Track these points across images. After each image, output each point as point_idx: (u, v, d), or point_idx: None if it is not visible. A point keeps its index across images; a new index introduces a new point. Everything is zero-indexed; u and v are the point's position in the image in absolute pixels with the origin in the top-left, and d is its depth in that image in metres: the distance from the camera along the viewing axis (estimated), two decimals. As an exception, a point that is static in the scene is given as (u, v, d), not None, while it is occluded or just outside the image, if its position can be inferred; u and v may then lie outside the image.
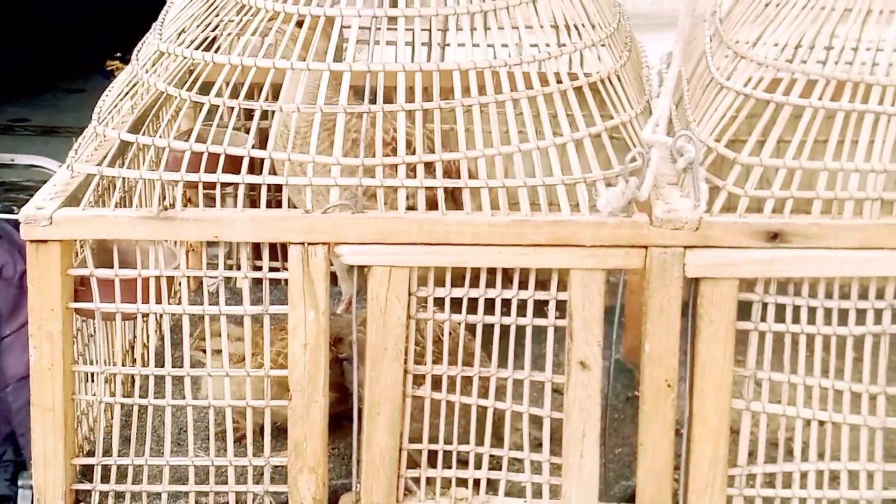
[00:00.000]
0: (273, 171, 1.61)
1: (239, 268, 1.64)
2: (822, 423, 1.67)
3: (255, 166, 1.63)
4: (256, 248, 2.11)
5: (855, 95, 1.60)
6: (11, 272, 2.59)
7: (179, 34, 1.71)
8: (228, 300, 1.68)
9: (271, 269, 1.66)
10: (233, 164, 1.61)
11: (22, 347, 2.29)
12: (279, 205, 1.68)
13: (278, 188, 1.68)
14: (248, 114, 2.14)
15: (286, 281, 1.63)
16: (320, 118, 1.62)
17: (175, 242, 1.85)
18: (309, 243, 1.61)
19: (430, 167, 1.64)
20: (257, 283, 1.66)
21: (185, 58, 1.66)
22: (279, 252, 1.69)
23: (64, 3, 7.89)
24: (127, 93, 1.72)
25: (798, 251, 1.59)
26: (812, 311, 1.63)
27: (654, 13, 2.84)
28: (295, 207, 1.66)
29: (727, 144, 1.65)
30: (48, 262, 1.61)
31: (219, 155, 1.61)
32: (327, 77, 1.61)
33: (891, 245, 1.58)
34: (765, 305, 1.64)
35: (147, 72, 1.69)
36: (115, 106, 1.72)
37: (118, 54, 7.32)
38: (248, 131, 1.97)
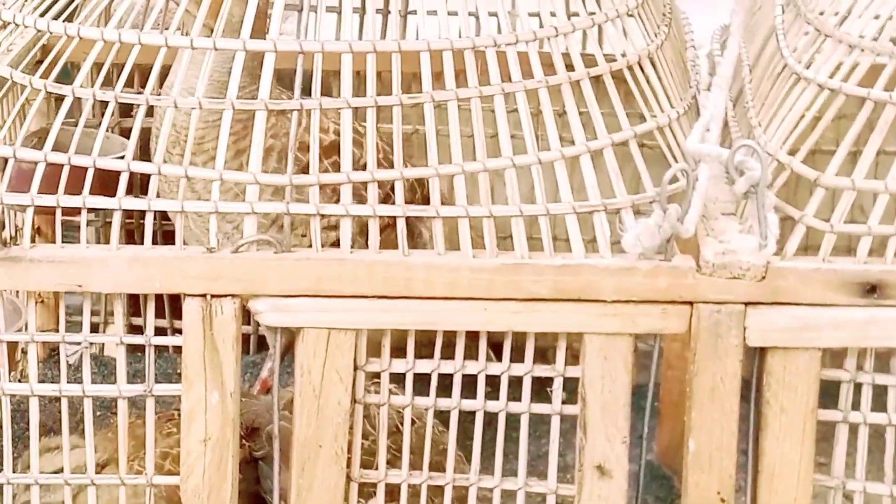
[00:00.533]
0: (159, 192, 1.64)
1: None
2: (935, 553, 1.73)
3: (136, 184, 1.60)
4: (136, 300, 2.15)
5: None
6: None
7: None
8: (95, 375, 1.72)
9: (157, 332, 1.67)
10: (104, 181, 1.62)
11: None
12: (169, 239, 1.70)
13: (167, 216, 1.66)
14: (125, 110, 2.19)
15: (179, 349, 1.66)
16: (230, 117, 1.64)
17: (18, 292, 1.86)
18: (213, 295, 1.64)
19: (385, 187, 1.67)
20: (135, 350, 1.68)
21: (39, 30, 1.70)
22: (168, 307, 1.71)
23: None
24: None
25: (905, 310, 1.65)
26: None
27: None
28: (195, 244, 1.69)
29: (806, 159, 1.70)
30: None
31: (85, 168, 1.63)
32: (242, 59, 1.63)
33: None
34: (858, 386, 1.69)
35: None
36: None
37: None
38: (124, 134, 2.01)
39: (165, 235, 2.00)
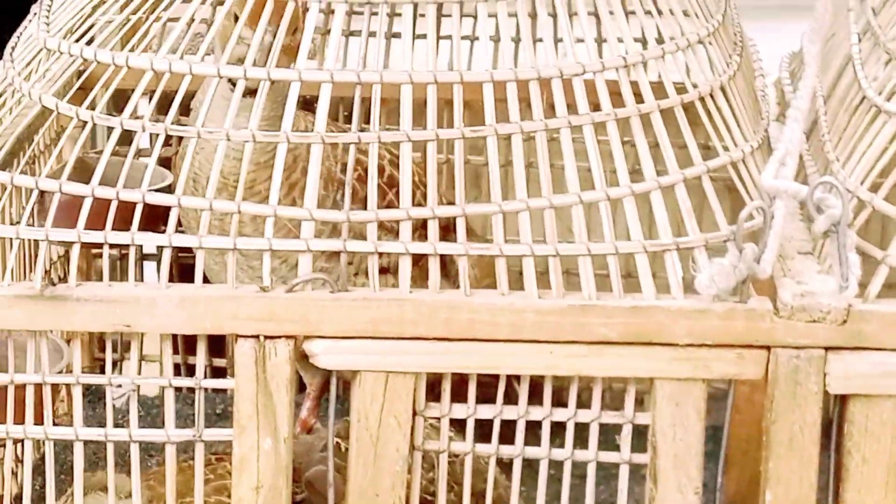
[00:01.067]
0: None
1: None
2: None
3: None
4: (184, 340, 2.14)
5: None
6: None
7: (75, 25, 1.76)
8: (142, 418, 1.71)
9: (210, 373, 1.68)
10: (123, 215, 1.62)
11: None
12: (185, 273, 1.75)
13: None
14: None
15: (229, 392, 1.67)
16: (285, 150, 1.64)
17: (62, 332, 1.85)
18: (266, 336, 1.62)
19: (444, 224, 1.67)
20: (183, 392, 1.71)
21: (85, 59, 1.70)
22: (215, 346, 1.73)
23: None
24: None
25: None
26: None
27: (762, -6, 2.94)
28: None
29: (889, 196, 1.68)
30: None
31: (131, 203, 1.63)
32: (298, 90, 1.63)
33: None
34: None
35: (27, 79, 1.74)
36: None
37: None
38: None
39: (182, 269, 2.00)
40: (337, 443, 1.73)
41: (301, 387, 2.32)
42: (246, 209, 1.62)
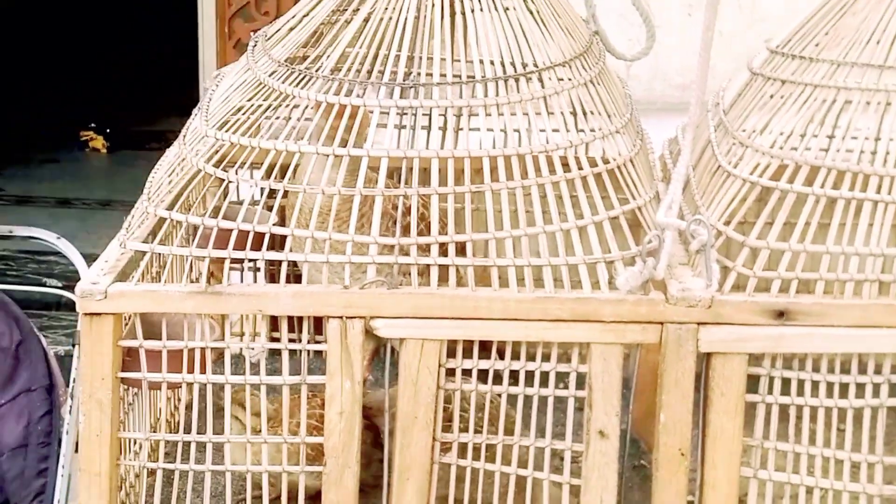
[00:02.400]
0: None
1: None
2: (823, 490, 1.77)
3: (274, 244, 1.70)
4: (272, 322, 2.18)
5: (854, 184, 1.73)
6: (8, 342, 2.62)
7: (225, 121, 1.82)
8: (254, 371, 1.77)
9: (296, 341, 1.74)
10: (254, 242, 1.69)
11: (16, 417, 2.32)
12: (297, 280, 1.77)
13: (293, 265, 1.75)
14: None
15: (314, 353, 1.73)
16: (338, 200, 1.72)
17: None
18: (347, 317, 1.71)
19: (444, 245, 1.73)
20: (273, 354, 1.73)
21: (232, 143, 1.77)
22: (296, 324, 1.76)
23: (36, 74, 8.01)
24: (173, 171, 1.83)
25: (802, 328, 1.71)
26: (815, 385, 1.74)
27: (647, 99, 3.00)
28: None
29: (735, 228, 1.76)
30: (101, 334, 1.72)
31: (247, 233, 1.70)
32: (366, 162, 1.72)
33: (888, 323, 1.71)
34: (771, 379, 1.75)
35: (196, 154, 1.80)
36: (161, 185, 1.83)
37: (92, 125, 7.43)
38: (268, 208, 2.08)
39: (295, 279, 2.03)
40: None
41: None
42: (335, 237, 1.72)
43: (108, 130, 7.42)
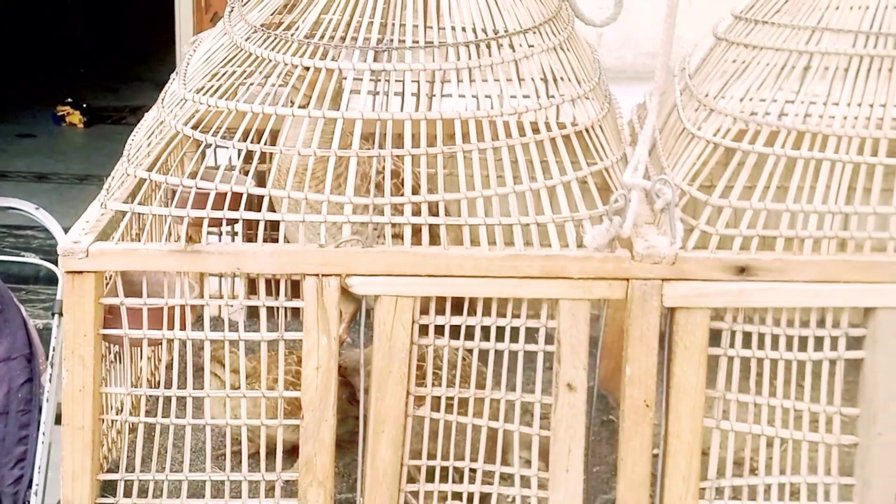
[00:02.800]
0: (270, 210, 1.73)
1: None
2: (783, 440, 1.83)
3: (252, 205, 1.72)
4: (250, 285, 2.20)
5: (813, 145, 1.78)
6: None
7: (202, 84, 1.85)
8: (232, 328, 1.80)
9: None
10: (231, 205, 1.72)
11: (-2, 383, 2.39)
12: (274, 241, 1.78)
13: (272, 227, 1.78)
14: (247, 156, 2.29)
15: (294, 311, 1.75)
16: (313, 161, 1.74)
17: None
18: (323, 275, 1.74)
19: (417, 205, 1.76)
20: (251, 317, 1.73)
21: (209, 105, 1.80)
22: (273, 289, 1.79)
23: (10, 51, 7.99)
24: (152, 133, 1.86)
25: (763, 284, 1.75)
26: (775, 339, 1.79)
27: (617, 67, 3.05)
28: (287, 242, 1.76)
29: (699, 188, 1.80)
30: (83, 292, 1.75)
31: (225, 194, 1.73)
32: (340, 123, 1.76)
33: (845, 278, 1.76)
34: (733, 333, 1.79)
35: (175, 117, 1.82)
36: (140, 147, 1.86)
37: (69, 100, 7.44)
38: (244, 173, 2.12)
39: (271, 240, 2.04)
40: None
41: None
42: (311, 197, 1.75)
43: (84, 105, 7.43)
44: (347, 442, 1.94)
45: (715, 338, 1.79)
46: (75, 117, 7.39)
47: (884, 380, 1.78)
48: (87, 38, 8.59)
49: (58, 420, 2.02)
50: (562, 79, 1.87)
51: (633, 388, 1.78)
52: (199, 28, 4.42)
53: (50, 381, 2.33)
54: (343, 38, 1.79)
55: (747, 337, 1.80)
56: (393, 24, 1.81)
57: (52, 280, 2.22)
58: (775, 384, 1.81)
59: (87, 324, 1.76)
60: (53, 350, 2.32)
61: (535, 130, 1.81)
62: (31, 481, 2.31)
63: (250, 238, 2.18)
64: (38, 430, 2.32)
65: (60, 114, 7.45)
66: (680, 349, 1.77)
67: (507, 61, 1.83)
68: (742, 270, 1.75)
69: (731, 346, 1.80)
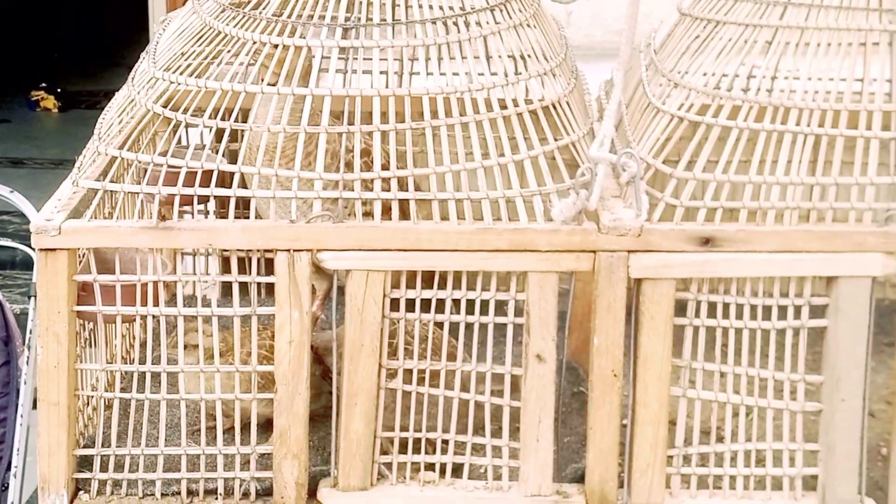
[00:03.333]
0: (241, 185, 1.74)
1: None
2: (749, 408, 1.85)
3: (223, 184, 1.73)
4: (224, 264, 2.22)
5: (775, 118, 1.80)
6: None
7: (171, 63, 1.85)
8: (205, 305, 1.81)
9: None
10: (202, 184, 1.72)
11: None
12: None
13: (244, 206, 1.79)
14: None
15: (269, 287, 1.76)
16: (282, 138, 1.75)
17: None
18: (294, 250, 1.75)
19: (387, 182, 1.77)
20: (225, 295, 1.73)
21: (179, 83, 1.81)
22: (247, 266, 1.80)
23: (-15, 34, 7.94)
24: (123, 112, 1.87)
25: (727, 254, 1.77)
26: (739, 308, 1.81)
27: (586, 45, 3.00)
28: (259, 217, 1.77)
29: (664, 161, 1.82)
30: (56, 269, 1.76)
31: (195, 173, 1.74)
32: (309, 100, 1.76)
33: (807, 248, 1.78)
34: (698, 303, 1.81)
35: (145, 95, 1.83)
36: (111, 126, 1.87)
37: (43, 84, 7.41)
38: (215, 151, 2.12)
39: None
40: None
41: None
42: (281, 173, 1.76)
43: (59, 90, 7.39)
44: (322, 416, 1.95)
45: (681, 308, 1.81)
46: (50, 102, 7.36)
47: (846, 347, 1.81)
48: (62, 21, 8.54)
49: (35, 404, 2.02)
50: (528, 55, 1.88)
51: (601, 359, 1.80)
52: (173, 9, 4.40)
53: (27, 363, 2.33)
54: (311, 16, 1.80)
55: (712, 307, 1.82)
56: (361, 2, 1.82)
57: (28, 265, 2.22)
58: (740, 353, 1.83)
59: (61, 301, 1.77)
60: (30, 333, 2.33)
61: (503, 107, 1.82)
62: (9, 463, 2.31)
63: (222, 216, 2.15)
64: (17, 412, 2.33)
65: (35, 98, 7.41)
66: (646, 319, 1.79)
67: (474, 38, 1.84)
68: (706, 241, 1.77)
69: (697, 315, 1.82)
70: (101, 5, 8.53)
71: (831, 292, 1.81)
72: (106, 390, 1.93)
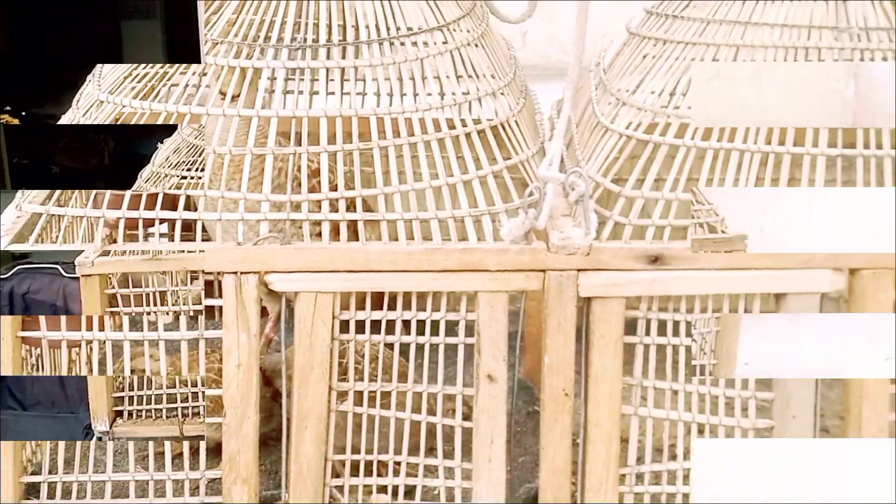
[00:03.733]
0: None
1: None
2: (700, 425, 1.84)
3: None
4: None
5: (721, 136, 1.80)
6: None
7: (116, 86, 1.84)
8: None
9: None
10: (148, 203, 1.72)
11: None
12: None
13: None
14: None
15: (219, 310, 1.74)
16: (229, 159, 1.74)
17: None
18: (241, 272, 1.74)
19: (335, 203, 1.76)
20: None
21: (124, 106, 1.80)
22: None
23: (-49, 57, 7.86)
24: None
25: (676, 272, 1.76)
26: (689, 325, 1.81)
27: (542, 65, 3.06)
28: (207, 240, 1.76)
29: (612, 180, 1.82)
30: None
31: (140, 196, 1.73)
32: (256, 122, 1.76)
33: (756, 266, 1.77)
34: (648, 321, 1.81)
35: (91, 118, 1.83)
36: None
37: (7, 108, 7.36)
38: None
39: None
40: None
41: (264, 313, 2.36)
42: (227, 195, 1.74)
43: (23, 113, 7.34)
44: (274, 440, 1.93)
45: (631, 326, 1.80)
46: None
47: (796, 364, 1.80)
48: (25, 45, 8.48)
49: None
50: (476, 75, 1.88)
51: (552, 378, 1.79)
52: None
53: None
54: (256, 38, 1.78)
55: (662, 325, 1.81)
56: (307, 24, 1.81)
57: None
58: (691, 370, 1.82)
59: (6, 326, 1.73)
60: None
61: (451, 126, 1.82)
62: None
63: (170, 239, 2.17)
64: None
65: (-1, 122, 7.36)
66: (596, 338, 1.78)
67: (421, 58, 1.83)
68: (655, 259, 1.77)
69: (647, 333, 1.81)
70: (68, 30, 8.47)
71: (780, 309, 1.80)
72: (54, 416, 1.91)
